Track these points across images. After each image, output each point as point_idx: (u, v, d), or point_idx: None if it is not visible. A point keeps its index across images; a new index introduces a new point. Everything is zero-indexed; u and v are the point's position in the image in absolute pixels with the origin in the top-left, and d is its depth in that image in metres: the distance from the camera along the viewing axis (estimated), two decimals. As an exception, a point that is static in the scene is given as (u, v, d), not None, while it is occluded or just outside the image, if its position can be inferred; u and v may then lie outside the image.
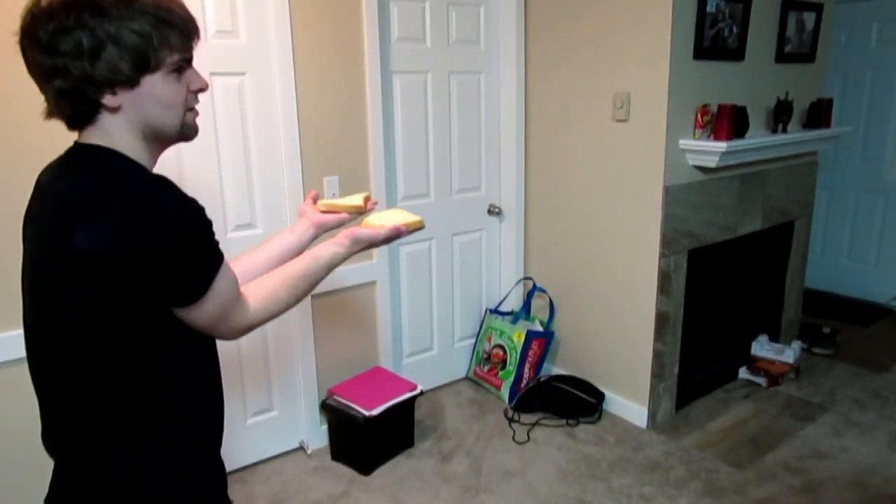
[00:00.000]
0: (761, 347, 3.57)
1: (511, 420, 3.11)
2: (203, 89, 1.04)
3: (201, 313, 0.98)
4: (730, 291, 3.37)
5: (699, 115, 2.73)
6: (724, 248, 3.15)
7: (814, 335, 3.86)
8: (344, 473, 2.70)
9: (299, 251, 1.32)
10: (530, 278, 3.47)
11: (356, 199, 1.36)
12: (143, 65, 0.93)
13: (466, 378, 3.53)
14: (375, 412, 2.61)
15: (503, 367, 3.31)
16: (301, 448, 2.85)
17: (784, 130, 3.00)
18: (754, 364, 3.51)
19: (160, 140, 1.02)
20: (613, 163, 2.92)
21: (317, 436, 2.84)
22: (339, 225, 1.38)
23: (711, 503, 2.49)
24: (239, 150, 2.43)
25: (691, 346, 3.15)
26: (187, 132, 1.04)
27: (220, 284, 0.99)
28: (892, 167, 4.35)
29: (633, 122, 2.79)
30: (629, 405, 3.08)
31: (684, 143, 2.74)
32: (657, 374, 2.99)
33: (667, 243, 2.84)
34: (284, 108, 2.47)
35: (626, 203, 2.91)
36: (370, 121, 2.71)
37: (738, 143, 2.68)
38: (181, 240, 0.92)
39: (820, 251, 4.70)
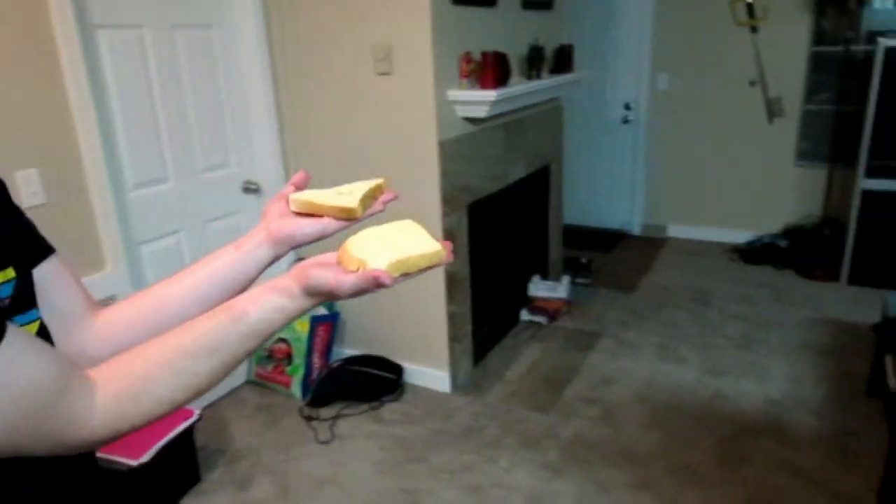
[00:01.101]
0: (536, 287, 3.70)
1: (309, 419, 2.78)
2: None
3: None
4: (505, 239, 3.40)
5: (463, 64, 2.59)
6: (497, 199, 3.13)
7: (575, 267, 4.13)
8: (117, 544, 2.14)
9: (242, 284, 0.81)
10: (304, 258, 3.10)
11: (352, 195, 0.79)
12: None
13: (248, 382, 3.09)
14: (145, 458, 2.08)
15: (289, 362, 2.95)
16: (48, 526, 2.20)
17: (538, 76, 3.03)
18: (533, 304, 3.63)
19: None
20: (383, 121, 2.67)
21: (69, 506, 2.21)
22: (317, 239, 0.80)
23: (529, 454, 2.47)
24: None
25: (480, 301, 3.11)
26: None
27: None
28: (612, 108, 4.80)
29: (397, 74, 2.55)
30: (430, 373, 2.95)
31: (452, 94, 2.58)
32: (453, 337, 2.90)
33: (447, 201, 2.70)
34: (-66, 81, 1.74)
35: (401, 163, 2.69)
36: (72, 91, 2.07)
37: (506, 91, 2.60)
38: None
39: (565, 188, 5.07)
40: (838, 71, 4.00)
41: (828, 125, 4.11)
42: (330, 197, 0.79)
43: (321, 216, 0.79)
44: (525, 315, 3.60)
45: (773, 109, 4.22)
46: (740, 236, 4.51)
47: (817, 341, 3.21)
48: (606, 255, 4.59)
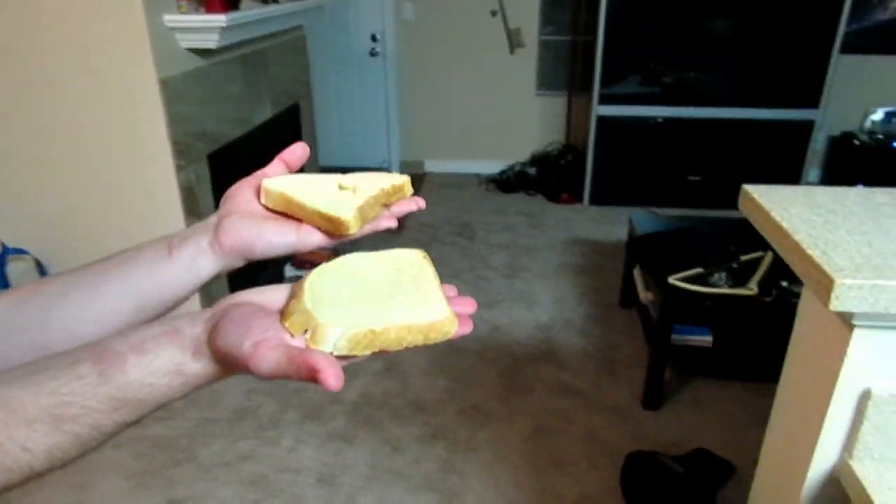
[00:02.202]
0: (299, 241, 3.39)
1: (32, 438, 2.20)
2: None
3: None
4: (258, 191, 3.02)
5: (180, -20, 2.11)
6: (242, 145, 2.73)
7: (337, 213, 3.89)
8: None
9: (167, 304, 0.54)
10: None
11: (354, 194, 0.53)
12: None
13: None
14: None
15: None
16: None
17: (275, 0, 2.63)
18: (296, 259, 3.33)
19: None
20: (75, 53, 2.08)
21: None
22: (288, 254, 0.55)
23: (314, 427, 2.25)
24: None
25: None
26: None
27: None
28: (358, 40, 4.52)
29: (90, -9, 1.99)
30: (186, 355, 2.53)
31: (171, 19, 2.10)
32: (209, 305, 2.50)
33: (180, 152, 2.25)
34: None
35: (111, 108, 2.15)
36: None
37: (238, 16, 2.19)
38: None
39: (317, 128, 4.73)
40: (570, 2, 4.19)
41: (564, 55, 4.33)
42: (318, 193, 0.52)
43: (298, 221, 0.52)
44: (289, 271, 3.29)
45: (513, 40, 4.31)
46: (493, 167, 4.64)
47: (572, 262, 3.42)
48: (368, 197, 4.41)
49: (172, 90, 2.15)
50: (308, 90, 3.46)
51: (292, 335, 0.41)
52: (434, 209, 4.17)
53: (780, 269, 2.20)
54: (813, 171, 4.25)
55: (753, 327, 2.30)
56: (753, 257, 2.29)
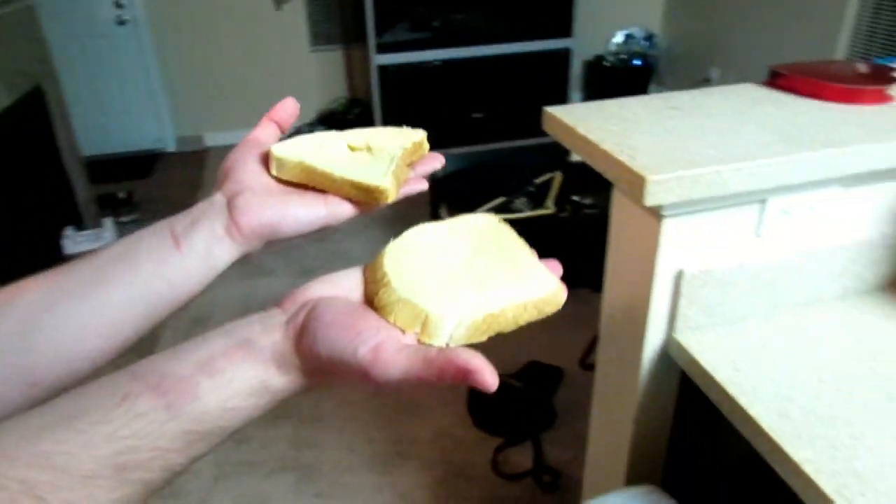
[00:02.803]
0: (75, 243, 3.01)
1: None
2: None
3: None
4: (6, 196, 2.59)
5: None
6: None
7: (114, 204, 3.50)
8: None
9: (176, 303, 0.45)
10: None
11: (373, 156, 0.46)
12: None
13: None
14: None
15: None
16: None
17: (-17, -38, 2.20)
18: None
19: None
20: None
21: None
22: (320, 228, 0.45)
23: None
24: None
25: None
26: None
27: None
28: (99, 8, 3.99)
29: None
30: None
31: None
32: None
33: None
34: None
35: None
36: None
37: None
38: None
39: (71, 113, 4.15)
40: (326, -50, 4.07)
41: (334, 6, 4.21)
42: (339, 159, 0.46)
43: (322, 191, 0.46)
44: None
45: (277, -5, 4.10)
46: (280, 131, 4.44)
47: (379, 213, 3.42)
48: (147, 182, 4.01)
49: None
50: (51, 70, 2.99)
51: (403, 331, 0.36)
52: (225, 184, 3.91)
53: (569, 185, 2.41)
54: (575, 94, 4.68)
55: (556, 241, 2.51)
56: (546, 179, 2.48)
